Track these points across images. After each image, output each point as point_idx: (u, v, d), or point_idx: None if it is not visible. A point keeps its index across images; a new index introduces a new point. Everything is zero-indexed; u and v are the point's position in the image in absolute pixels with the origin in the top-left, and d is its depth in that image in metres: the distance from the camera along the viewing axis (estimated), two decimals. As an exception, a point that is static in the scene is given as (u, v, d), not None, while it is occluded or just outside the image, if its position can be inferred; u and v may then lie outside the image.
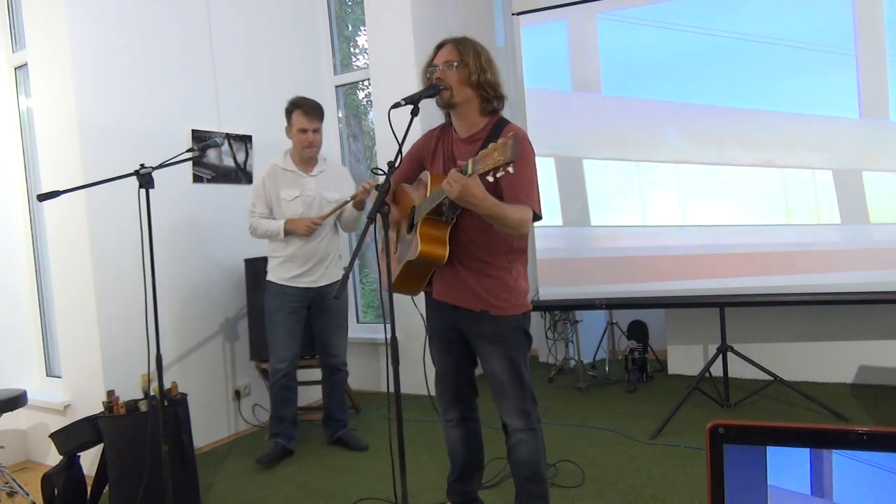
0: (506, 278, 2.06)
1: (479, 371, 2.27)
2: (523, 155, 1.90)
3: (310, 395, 4.21)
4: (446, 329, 2.17)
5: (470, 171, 1.72)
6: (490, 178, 1.67)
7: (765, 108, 3.34)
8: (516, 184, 1.92)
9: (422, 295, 2.23)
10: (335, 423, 3.35)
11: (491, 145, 1.67)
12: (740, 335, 3.86)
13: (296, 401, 3.35)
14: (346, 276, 1.82)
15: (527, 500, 2.17)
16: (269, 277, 3.24)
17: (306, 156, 3.18)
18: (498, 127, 2.03)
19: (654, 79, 3.53)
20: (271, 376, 3.29)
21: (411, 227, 2.09)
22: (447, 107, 2.05)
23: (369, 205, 3.11)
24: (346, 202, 3.10)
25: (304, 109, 3.11)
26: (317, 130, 3.14)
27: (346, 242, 4.71)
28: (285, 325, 3.21)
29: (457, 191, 1.74)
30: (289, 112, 3.16)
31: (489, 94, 2.03)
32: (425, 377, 2.14)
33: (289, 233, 3.13)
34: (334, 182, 3.27)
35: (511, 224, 1.88)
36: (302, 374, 3.59)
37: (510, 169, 1.63)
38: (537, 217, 1.99)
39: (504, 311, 2.06)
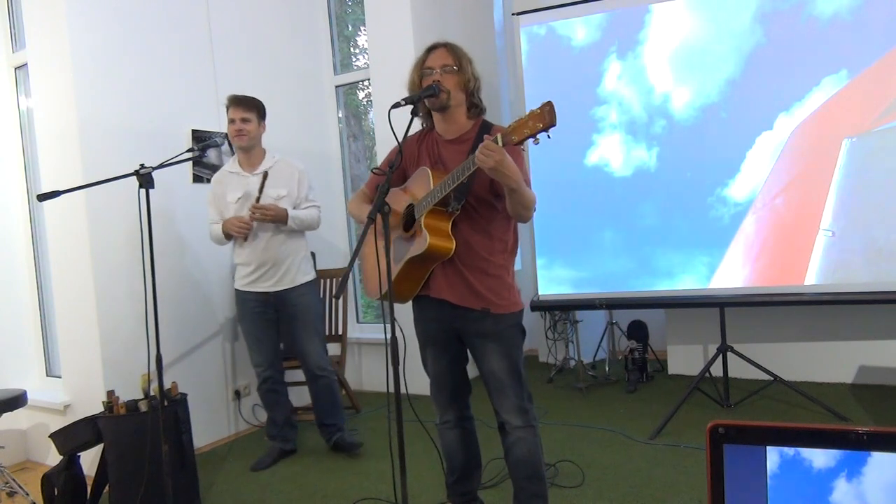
0: (504, 276, 2.09)
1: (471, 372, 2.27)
2: (520, 150, 1.97)
3: (306, 396, 4.20)
4: (441, 330, 2.17)
5: (501, 142, 1.77)
6: (522, 148, 1.75)
7: (761, 108, 3.34)
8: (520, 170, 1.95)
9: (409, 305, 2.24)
10: (328, 429, 3.30)
11: (525, 115, 1.75)
12: (740, 335, 3.86)
13: (285, 402, 3.33)
14: (345, 277, 1.81)
15: (526, 499, 2.17)
16: (234, 285, 3.24)
17: (237, 145, 3.13)
18: (485, 127, 2.10)
19: (655, 78, 3.53)
20: (257, 381, 3.29)
21: (407, 227, 2.09)
22: (442, 109, 2.07)
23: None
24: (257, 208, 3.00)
25: (231, 101, 3.11)
26: (245, 120, 3.08)
27: (347, 242, 4.72)
28: (252, 331, 3.20)
29: (496, 159, 1.77)
30: (227, 110, 3.14)
31: (476, 100, 2.12)
32: (404, 379, 2.11)
33: (228, 234, 3.09)
34: (283, 179, 3.14)
35: (527, 203, 1.94)
36: (297, 375, 3.59)
37: (549, 135, 1.72)
38: None
39: (504, 308, 2.08)
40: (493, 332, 2.08)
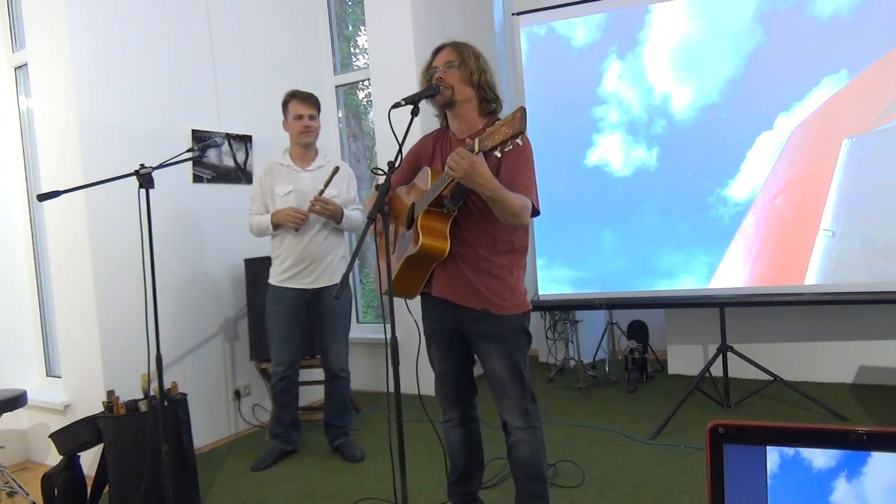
0: (507, 278, 2.07)
1: (478, 371, 2.27)
2: (524, 150, 1.96)
3: (311, 395, 4.21)
4: (445, 329, 2.17)
5: (477, 149, 1.76)
6: (498, 154, 1.73)
7: (761, 108, 3.35)
8: (516, 175, 1.95)
9: (416, 300, 2.24)
10: (334, 430, 3.30)
11: (497, 122, 1.72)
12: (740, 335, 3.86)
13: (296, 404, 3.33)
14: (345, 277, 1.82)
15: (527, 500, 2.17)
16: (269, 279, 3.24)
17: (303, 142, 3.15)
18: None
19: (655, 78, 3.53)
20: (272, 378, 3.30)
21: (410, 225, 2.09)
22: (448, 105, 2.07)
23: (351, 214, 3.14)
24: (314, 205, 3.02)
25: (299, 97, 3.14)
26: (313, 117, 3.14)
27: (348, 242, 4.71)
28: (280, 328, 3.20)
29: (464, 168, 1.76)
30: (285, 104, 3.17)
31: (488, 95, 2.09)
32: (416, 378, 2.15)
33: (277, 225, 3.11)
34: (335, 179, 3.17)
35: (512, 210, 1.90)
36: (304, 374, 3.59)
37: (519, 142, 1.68)
38: (536, 212, 2.02)
39: (505, 310, 2.06)
40: (495, 333, 2.07)
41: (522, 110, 1.65)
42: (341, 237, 3.26)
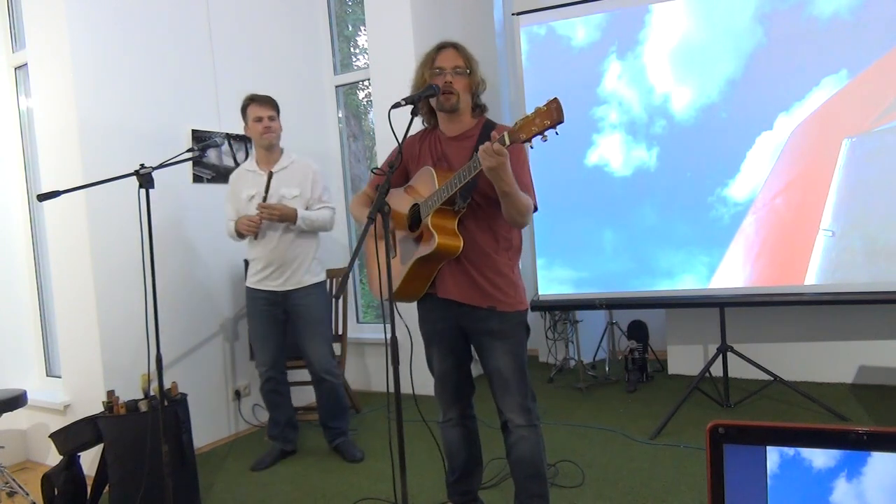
0: (510, 274, 2.10)
1: (475, 371, 2.27)
2: (521, 149, 2.00)
3: (307, 396, 4.20)
4: (448, 329, 2.17)
5: (508, 142, 1.77)
6: (531, 146, 1.77)
7: (761, 108, 3.34)
8: (517, 174, 1.96)
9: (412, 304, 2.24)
10: (331, 432, 3.29)
11: (530, 113, 1.74)
12: (740, 335, 3.86)
13: (287, 403, 3.33)
14: (345, 277, 1.82)
15: (527, 499, 2.17)
16: (246, 282, 3.27)
17: (265, 143, 3.13)
18: (488, 126, 2.12)
19: (655, 78, 3.53)
20: (259, 380, 3.30)
21: (413, 226, 2.08)
22: (451, 111, 2.07)
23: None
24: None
25: (257, 101, 3.14)
26: (272, 118, 3.14)
27: (348, 242, 4.71)
28: (258, 329, 3.21)
29: (498, 162, 1.78)
30: (244, 110, 3.16)
31: (479, 101, 2.15)
32: (410, 379, 2.13)
33: (240, 233, 3.12)
34: (296, 179, 3.15)
35: (521, 208, 1.94)
36: (299, 374, 3.59)
37: (556, 132, 1.72)
38: (534, 208, 2.06)
39: (510, 306, 2.09)
40: (500, 330, 2.08)
41: (557, 101, 1.69)
42: (311, 239, 3.21)
